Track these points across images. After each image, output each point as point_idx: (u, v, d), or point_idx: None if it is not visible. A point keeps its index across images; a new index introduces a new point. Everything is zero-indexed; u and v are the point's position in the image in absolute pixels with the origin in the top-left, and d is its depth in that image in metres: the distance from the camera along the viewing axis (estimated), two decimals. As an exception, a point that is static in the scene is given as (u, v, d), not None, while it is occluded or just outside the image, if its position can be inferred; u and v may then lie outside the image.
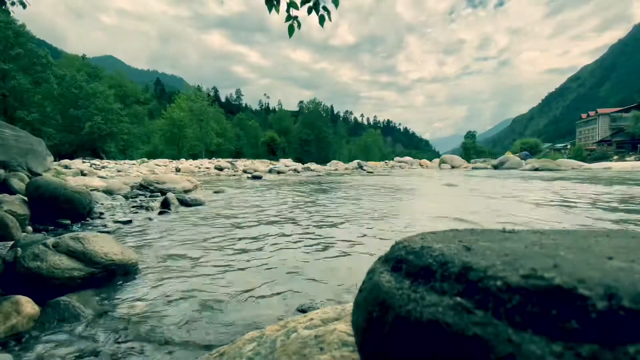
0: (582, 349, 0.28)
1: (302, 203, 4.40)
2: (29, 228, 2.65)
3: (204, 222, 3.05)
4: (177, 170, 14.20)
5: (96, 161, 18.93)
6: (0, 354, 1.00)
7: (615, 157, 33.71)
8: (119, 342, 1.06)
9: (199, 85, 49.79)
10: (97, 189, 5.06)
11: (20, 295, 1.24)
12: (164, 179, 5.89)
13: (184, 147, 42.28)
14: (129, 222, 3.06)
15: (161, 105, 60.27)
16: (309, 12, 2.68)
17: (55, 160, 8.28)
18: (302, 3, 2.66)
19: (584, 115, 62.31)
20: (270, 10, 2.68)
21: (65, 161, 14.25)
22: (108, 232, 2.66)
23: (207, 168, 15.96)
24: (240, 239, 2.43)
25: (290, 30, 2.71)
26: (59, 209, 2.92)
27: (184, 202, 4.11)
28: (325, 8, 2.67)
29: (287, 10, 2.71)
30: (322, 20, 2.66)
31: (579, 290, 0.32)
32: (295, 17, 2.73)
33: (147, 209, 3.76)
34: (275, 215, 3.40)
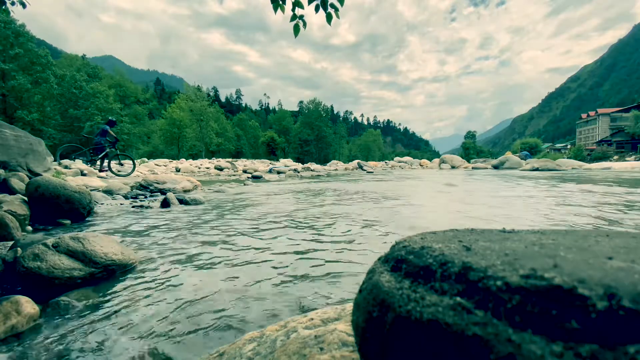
0: (582, 349, 0.28)
1: (302, 203, 4.40)
2: (29, 228, 2.65)
3: (204, 222, 3.05)
4: (177, 170, 14.19)
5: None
6: (0, 354, 0.99)
7: (615, 157, 33.73)
8: (118, 342, 1.06)
9: (198, 85, 49.72)
10: (97, 189, 5.07)
11: (20, 295, 1.23)
12: (164, 179, 5.90)
13: (183, 147, 42.29)
14: (129, 221, 3.06)
15: (161, 105, 60.25)
16: (317, 9, 2.63)
17: (55, 160, 8.28)
18: (310, 1, 2.61)
19: (584, 115, 62.33)
20: (275, 10, 2.62)
21: (65, 161, 14.22)
22: (108, 232, 2.66)
23: (207, 168, 15.96)
24: (239, 238, 2.43)
25: (296, 29, 2.66)
26: (59, 209, 2.92)
27: (183, 202, 4.11)
28: (333, 5, 2.62)
29: (293, 10, 2.66)
30: (329, 18, 2.61)
31: (579, 290, 0.31)
32: (301, 16, 2.68)
33: (147, 208, 3.76)
34: (275, 215, 3.40)
